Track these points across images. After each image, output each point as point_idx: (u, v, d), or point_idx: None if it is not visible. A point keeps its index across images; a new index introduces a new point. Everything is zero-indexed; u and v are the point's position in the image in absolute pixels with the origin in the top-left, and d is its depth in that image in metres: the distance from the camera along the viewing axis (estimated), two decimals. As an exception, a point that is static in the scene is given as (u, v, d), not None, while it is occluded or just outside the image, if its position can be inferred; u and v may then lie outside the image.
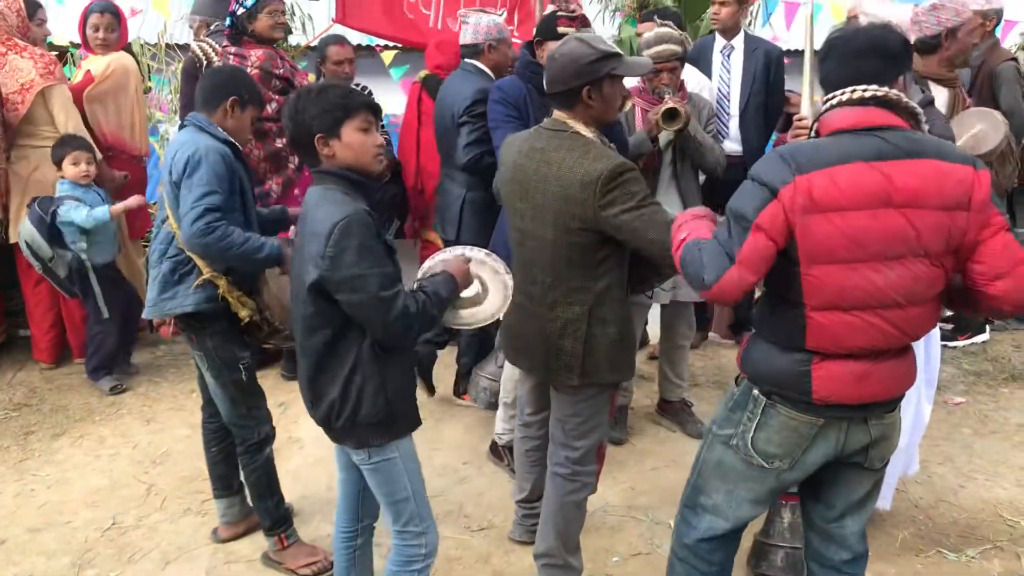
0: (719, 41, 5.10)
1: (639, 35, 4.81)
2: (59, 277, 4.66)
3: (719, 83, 5.05)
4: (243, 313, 3.07)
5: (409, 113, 5.19)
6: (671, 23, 4.00)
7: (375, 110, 2.48)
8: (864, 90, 2.14)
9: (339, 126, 2.39)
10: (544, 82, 2.75)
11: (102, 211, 4.55)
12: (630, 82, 3.77)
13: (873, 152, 2.08)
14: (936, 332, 3.42)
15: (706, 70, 5.01)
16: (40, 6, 5.15)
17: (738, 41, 5.11)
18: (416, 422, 2.60)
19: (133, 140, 5.18)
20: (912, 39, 4.15)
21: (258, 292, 3.09)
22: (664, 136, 3.83)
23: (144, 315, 3.42)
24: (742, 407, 2.36)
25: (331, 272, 2.30)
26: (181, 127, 3.21)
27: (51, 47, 5.47)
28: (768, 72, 5.04)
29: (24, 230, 4.56)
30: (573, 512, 2.99)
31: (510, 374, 3.73)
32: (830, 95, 2.21)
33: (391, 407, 2.45)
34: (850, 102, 2.16)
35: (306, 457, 4.12)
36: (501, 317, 2.72)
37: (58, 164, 4.62)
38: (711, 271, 2.18)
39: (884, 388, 2.23)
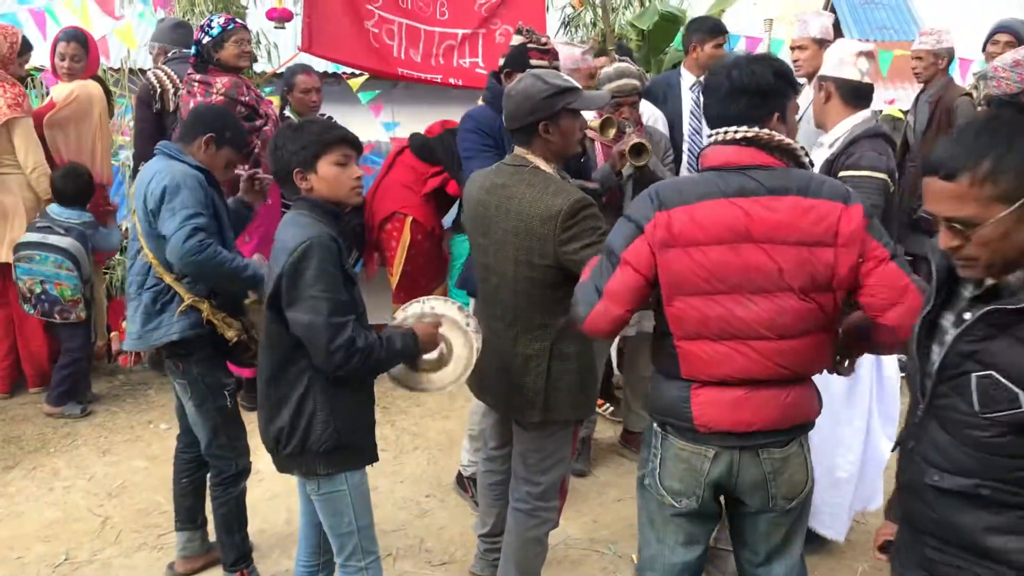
0: (687, 77, 5.08)
1: (586, 71, 4.85)
2: (87, 298, 4.83)
3: (690, 119, 5.02)
4: (230, 334, 3.06)
5: (387, 160, 5.37)
6: (627, 59, 4.07)
7: (354, 145, 2.54)
8: (735, 131, 2.19)
9: (316, 160, 2.46)
10: (503, 118, 2.78)
11: (119, 232, 4.99)
12: (589, 116, 3.79)
13: (735, 189, 2.13)
14: (890, 368, 3.48)
15: (674, 106, 4.99)
16: (32, 48, 5.16)
17: None
18: (369, 457, 2.59)
19: (94, 167, 5.13)
20: (985, 92, 4.34)
21: (243, 312, 3.11)
22: (625, 171, 3.86)
23: (126, 347, 3.45)
24: (648, 444, 2.37)
25: (286, 289, 2.35)
26: (136, 154, 3.21)
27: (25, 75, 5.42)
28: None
29: (71, 246, 4.66)
30: (534, 547, 2.98)
31: (475, 407, 3.72)
32: (710, 132, 2.26)
33: (340, 437, 2.44)
34: (723, 142, 2.21)
35: (265, 491, 4.06)
36: (462, 382, 2.70)
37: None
38: (583, 306, 2.27)
39: (764, 416, 2.20)
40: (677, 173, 4.24)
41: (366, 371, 2.45)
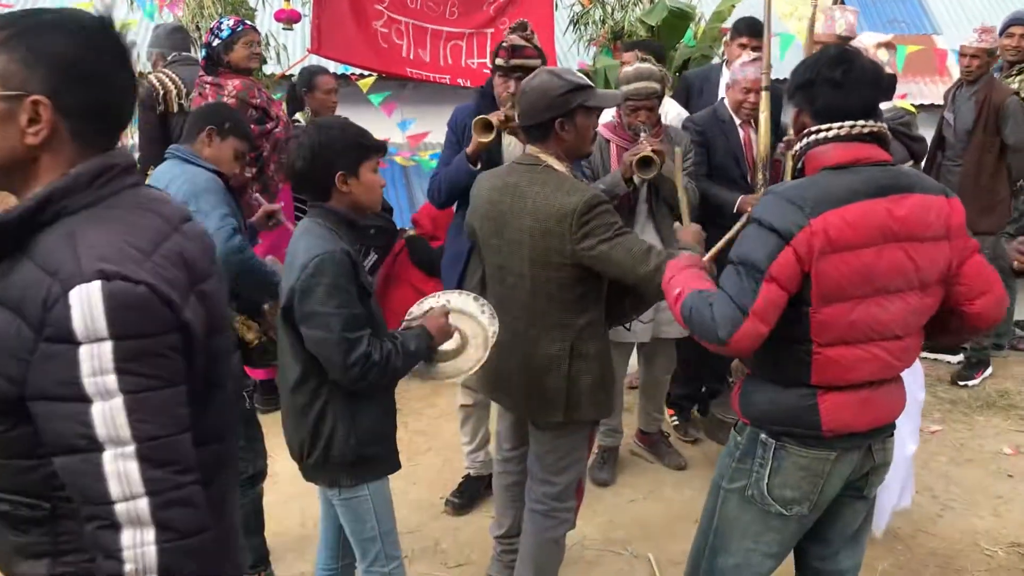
0: (726, 73, 5.02)
1: (623, 64, 4.78)
2: None
3: None
4: (250, 336, 3.06)
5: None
6: (652, 58, 3.96)
7: (385, 151, 2.55)
8: (863, 126, 2.12)
9: (359, 165, 2.43)
10: (517, 116, 2.73)
11: None
12: (605, 117, 3.75)
13: (876, 187, 2.09)
14: (919, 367, 3.46)
15: (710, 100, 4.93)
16: None
17: None
18: (393, 465, 2.57)
19: None
20: None
21: (261, 314, 3.10)
22: (635, 179, 3.71)
23: None
24: (751, 455, 2.29)
25: (299, 304, 2.32)
26: (143, 157, 3.21)
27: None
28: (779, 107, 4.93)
29: None
30: (551, 549, 2.95)
31: (464, 414, 3.76)
32: (821, 127, 2.15)
33: (361, 449, 2.43)
34: (848, 137, 2.12)
35: (279, 494, 4.04)
36: (478, 368, 2.66)
37: None
38: (724, 327, 2.10)
39: (885, 412, 2.26)
40: (709, 174, 4.13)
41: (386, 381, 2.43)
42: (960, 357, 5.79)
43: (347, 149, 2.41)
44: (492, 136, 3.38)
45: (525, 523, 2.98)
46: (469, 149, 3.46)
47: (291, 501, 3.97)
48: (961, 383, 5.52)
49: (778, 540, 2.32)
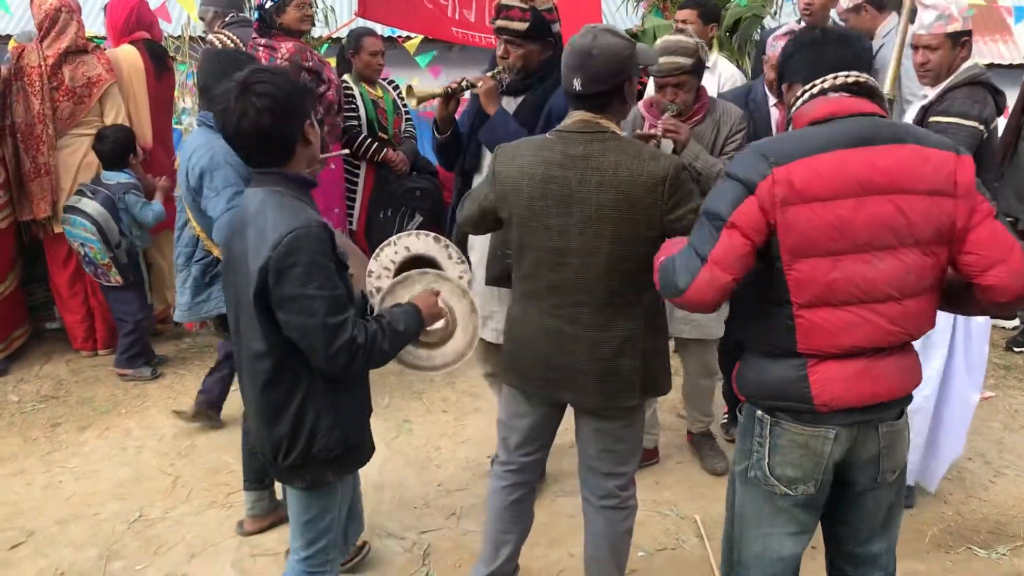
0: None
1: (682, 22, 4.68)
2: (121, 262, 4.82)
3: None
4: None
5: None
6: (689, 28, 3.73)
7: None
8: (847, 75, 2.07)
9: (312, 111, 2.23)
10: (578, 83, 2.41)
11: (159, 207, 4.84)
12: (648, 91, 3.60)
13: (855, 138, 2.00)
14: (983, 323, 3.42)
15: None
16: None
17: None
18: (370, 451, 2.45)
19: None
20: None
21: None
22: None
23: (178, 319, 3.43)
24: (750, 433, 2.21)
25: (275, 287, 2.09)
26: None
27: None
28: None
29: (95, 211, 4.68)
30: (627, 539, 2.81)
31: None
32: (807, 86, 2.11)
33: (348, 440, 2.29)
34: (832, 88, 2.08)
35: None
36: (472, 350, 2.59)
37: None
38: (682, 275, 2.07)
39: (888, 387, 2.10)
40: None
41: (373, 364, 2.23)
42: (1016, 322, 5.69)
43: (305, 94, 2.20)
44: (413, 100, 3.35)
45: (594, 524, 2.77)
46: (437, 116, 3.41)
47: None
48: (1017, 349, 5.42)
49: (794, 519, 2.21)
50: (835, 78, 2.08)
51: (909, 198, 1.98)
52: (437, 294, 2.47)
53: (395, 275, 2.62)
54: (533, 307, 2.56)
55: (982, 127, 3.19)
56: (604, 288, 2.47)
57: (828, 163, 1.98)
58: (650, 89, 3.61)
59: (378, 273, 2.63)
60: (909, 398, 2.19)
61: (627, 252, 2.44)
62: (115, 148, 4.83)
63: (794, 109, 2.15)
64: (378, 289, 2.57)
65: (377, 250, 2.64)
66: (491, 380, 3.86)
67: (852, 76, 2.07)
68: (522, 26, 3.21)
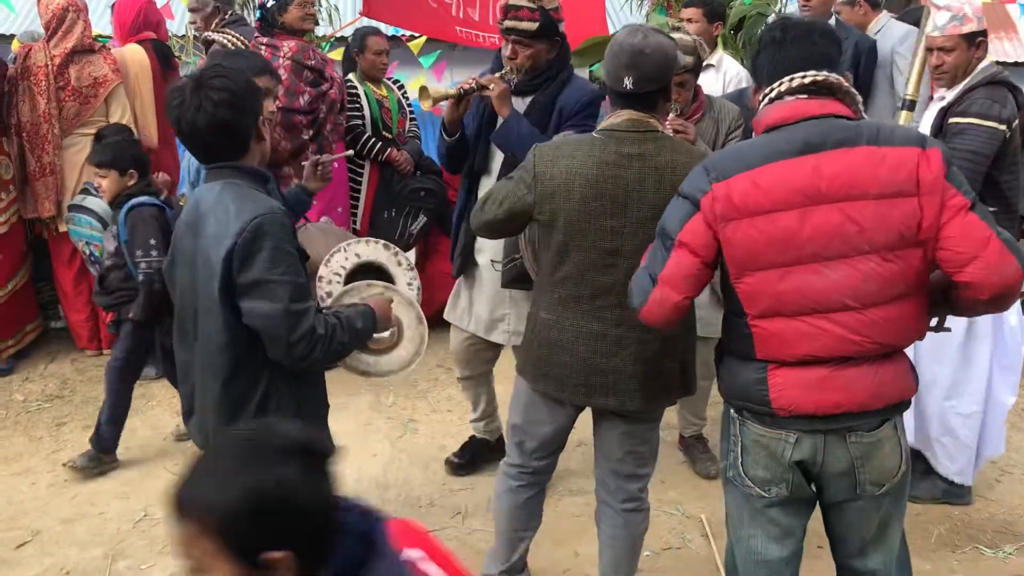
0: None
1: (687, 20, 4.68)
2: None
3: None
4: None
5: None
6: (685, 26, 3.67)
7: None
8: (803, 76, 2.00)
9: (261, 115, 2.20)
10: (630, 81, 2.38)
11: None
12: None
13: (799, 145, 1.95)
14: (1014, 317, 3.42)
15: None
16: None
17: None
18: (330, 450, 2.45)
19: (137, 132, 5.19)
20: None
21: None
22: None
23: None
24: (727, 433, 2.22)
25: (239, 274, 2.06)
26: None
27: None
28: (857, 65, 4.78)
29: (100, 208, 4.60)
30: (642, 542, 2.84)
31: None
32: (768, 88, 2.06)
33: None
34: (789, 91, 2.02)
35: (335, 449, 4.12)
36: (402, 374, 2.59)
37: None
38: (637, 295, 2.12)
39: (853, 396, 2.01)
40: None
41: (328, 359, 2.20)
42: None
43: (257, 94, 2.18)
44: (428, 103, 3.25)
45: (614, 527, 2.77)
46: (446, 118, 3.34)
47: (346, 457, 4.03)
48: None
49: (773, 522, 2.17)
50: (791, 80, 2.02)
51: (858, 204, 1.92)
52: (391, 301, 2.46)
53: (345, 282, 2.62)
54: (571, 311, 2.52)
55: (1003, 127, 3.17)
56: None
57: (770, 175, 1.95)
58: None
59: (328, 279, 2.62)
60: (896, 408, 2.09)
61: None
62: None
63: (759, 112, 2.10)
64: (328, 294, 2.57)
65: (327, 256, 2.63)
66: (465, 383, 3.84)
67: (809, 76, 2.00)
68: (532, 26, 3.18)
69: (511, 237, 2.88)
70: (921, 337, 2.13)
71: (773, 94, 2.04)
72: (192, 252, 2.16)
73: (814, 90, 2.01)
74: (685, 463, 4.02)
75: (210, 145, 2.16)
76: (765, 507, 2.16)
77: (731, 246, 1.99)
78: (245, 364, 2.16)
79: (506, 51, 3.26)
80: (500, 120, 3.22)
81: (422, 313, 2.60)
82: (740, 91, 4.09)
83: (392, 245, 2.66)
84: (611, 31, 7.41)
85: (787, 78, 2.02)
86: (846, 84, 2.03)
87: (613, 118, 2.47)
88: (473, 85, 3.23)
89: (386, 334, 2.49)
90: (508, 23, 3.20)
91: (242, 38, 4.83)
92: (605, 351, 2.51)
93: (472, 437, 3.98)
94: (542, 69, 3.27)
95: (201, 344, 2.20)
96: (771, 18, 6.50)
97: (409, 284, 2.61)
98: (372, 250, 2.60)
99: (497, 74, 3.25)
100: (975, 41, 3.27)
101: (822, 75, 2.00)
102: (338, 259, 2.60)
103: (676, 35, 3.36)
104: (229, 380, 2.17)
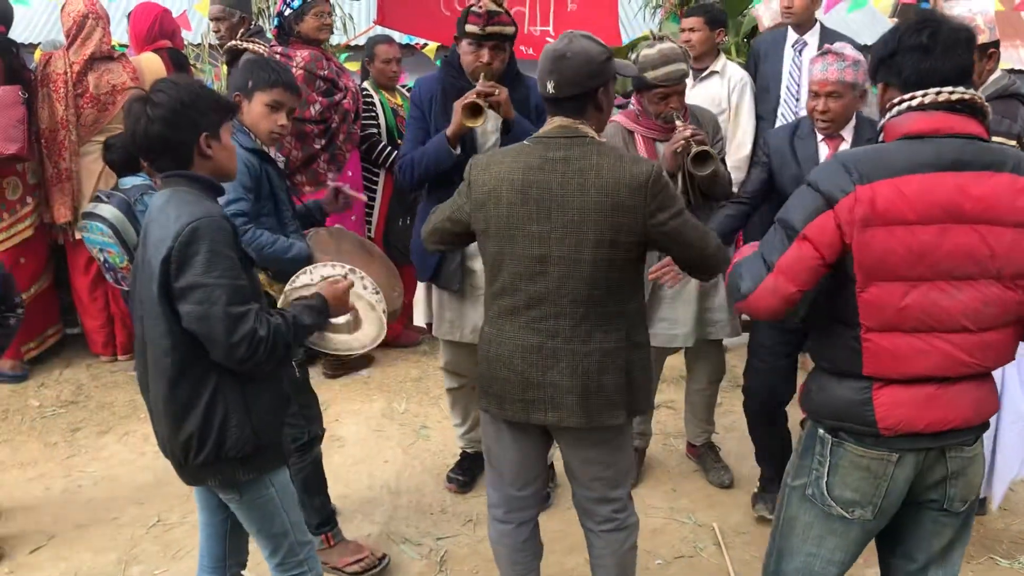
0: (791, 35, 4.91)
1: (689, 30, 4.70)
2: None
3: (788, 81, 4.81)
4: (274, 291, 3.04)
5: None
6: (670, 35, 3.64)
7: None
8: (951, 92, 1.94)
9: (220, 126, 2.24)
10: (551, 85, 2.35)
11: None
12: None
13: (950, 161, 1.89)
14: None
15: (775, 67, 4.82)
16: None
17: (812, 36, 4.81)
18: (286, 455, 2.43)
19: None
20: None
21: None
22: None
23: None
24: (811, 451, 2.14)
25: (176, 278, 2.07)
26: None
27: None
28: None
29: (111, 214, 4.64)
30: (632, 554, 2.70)
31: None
32: (910, 96, 1.98)
33: (259, 439, 2.23)
34: (933, 105, 1.95)
35: (346, 457, 4.13)
36: (372, 347, 2.59)
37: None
38: (747, 280, 2.03)
39: (957, 413, 1.99)
40: (757, 146, 3.88)
41: (276, 359, 2.18)
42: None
43: (209, 108, 2.20)
44: (482, 119, 3.20)
45: (597, 548, 2.66)
46: (450, 131, 3.26)
47: (359, 464, 4.05)
48: None
49: (841, 546, 2.15)
50: (938, 94, 1.95)
51: (996, 230, 1.90)
52: (347, 288, 2.46)
53: None
54: (510, 324, 2.44)
55: (1012, 142, 3.11)
56: (586, 298, 2.36)
57: (916, 185, 1.89)
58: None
59: (302, 282, 2.63)
60: (985, 425, 2.09)
61: (609, 258, 2.34)
62: (125, 154, 4.78)
63: (888, 117, 2.03)
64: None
65: (293, 277, 2.65)
66: (456, 395, 3.82)
67: (957, 94, 1.94)
68: (512, 30, 3.27)
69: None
70: (1012, 359, 2.10)
71: (916, 103, 1.97)
72: (141, 259, 2.20)
73: (960, 108, 1.96)
74: (697, 471, 4.01)
75: (150, 156, 2.23)
76: (844, 529, 2.12)
77: (864, 253, 1.91)
78: (190, 368, 2.15)
79: (483, 58, 3.28)
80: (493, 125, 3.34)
81: (374, 303, 2.60)
82: (796, 122, 3.50)
83: (358, 269, 2.66)
84: (624, 41, 7.44)
85: (934, 91, 1.96)
86: (987, 106, 2.00)
87: (546, 125, 2.43)
88: (487, 98, 3.22)
89: (341, 320, 2.49)
90: (492, 29, 3.23)
91: (266, 47, 4.86)
92: (541, 364, 2.40)
93: (464, 453, 3.95)
94: (507, 71, 3.36)
95: (150, 350, 2.21)
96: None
97: (384, 311, 2.63)
98: (339, 273, 2.61)
99: (487, 82, 3.24)
100: (986, 52, 3.22)
101: (969, 93, 1.95)
102: (303, 280, 2.62)
103: (669, 45, 3.34)
104: (175, 384, 2.17)
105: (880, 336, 1.96)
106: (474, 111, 3.19)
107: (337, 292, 2.43)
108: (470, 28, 3.24)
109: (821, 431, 2.11)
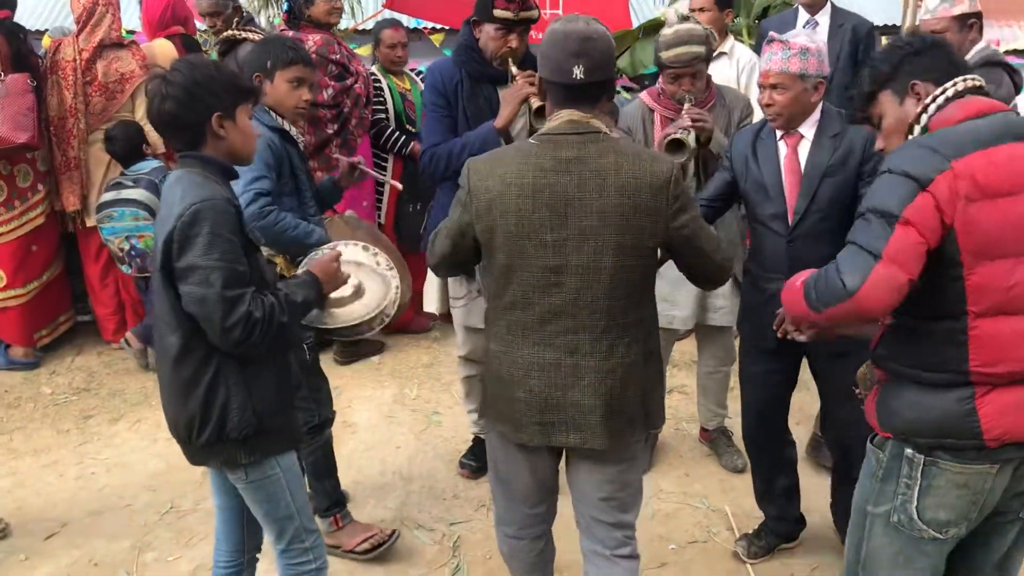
0: (802, 15, 4.86)
1: (699, 10, 4.66)
2: None
3: None
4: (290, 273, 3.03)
5: None
6: (695, 15, 3.64)
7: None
8: (973, 78, 1.98)
9: (236, 107, 2.23)
10: (580, 70, 2.12)
11: None
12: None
13: (1015, 133, 1.86)
14: None
15: None
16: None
17: (823, 16, 4.78)
18: (295, 439, 2.42)
19: None
20: None
21: None
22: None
23: None
24: (894, 474, 2.01)
25: (177, 258, 2.11)
26: None
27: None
28: (856, 49, 4.76)
29: (142, 196, 4.64)
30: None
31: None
32: (938, 90, 1.98)
33: (261, 422, 2.22)
34: (967, 90, 1.97)
35: (359, 442, 4.13)
36: (388, 316, 2.49)
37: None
38: (851, 276, 1.84)
39: None
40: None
41: (272, 340, 2.18)
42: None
43: (224, 89, 2.19)
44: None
45: (606, 572, 2.43)
46: (499, 123, 3.18)
47: (371, 450, 4.05)
48: None
49: (932, 565, 2.05)
50: (965, 81, 1.98)
51: None
52: (335, 258, 2.44)
53: None
54: (521, 340, 2.24)
55: None
56: (605, 309, 2.18)
57: (1003, 156, 1.84)
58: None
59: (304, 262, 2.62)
60: None
61: (631, 263, 2.17)
62: (127, 144, 4.79)
63: (934, 109, 1.99)
64: None
65: (306, 259, 2.62)
66: (473, 381, 3.73)
67: (979, 80, 2.00)
68: (538, 13, 3.24)
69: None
70: None
71: (951, 92, 1.97)
72: (155, 238, 2.24)
73: (982, 92, 2.01)
74: (710, 456, 4.00)
75: (165, 134, 2.26)
76: (933, 550, 2.03)
77: (971, 231, 1.82)
78: (193, 346, 2.17)
79: (512, 42, 3.24)
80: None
81: (383, 264, 2.58)
82: (762, 122, 3.43)
83: (371, 247, 2.64)
84: (635, 24, 7.39)
85: (961, 79, 1.98)
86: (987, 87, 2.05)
87: (552, 121, 2.21)
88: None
89: (344, 293, 2.45)
90: (525, 14, 3.21)
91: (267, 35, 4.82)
92: (560, 383, 2.22)
93: (476, 438, 3.91)
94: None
95: (157, 328, 2.27)
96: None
97: (396, 288, 2.58)
98: (351, 252, 2.59)
99: (526, 71, 3.17)
100: (967, 23, 3.19)
101: (979, 80, 2.01)
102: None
103: (688, 26, 3.32)
104: (178, 362, 2.20)
105: (988, 321, 1.86)
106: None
107: (324, 264, 2.40)
108: (501, 13, 3.18)
109: (909, 451, 1.97)
